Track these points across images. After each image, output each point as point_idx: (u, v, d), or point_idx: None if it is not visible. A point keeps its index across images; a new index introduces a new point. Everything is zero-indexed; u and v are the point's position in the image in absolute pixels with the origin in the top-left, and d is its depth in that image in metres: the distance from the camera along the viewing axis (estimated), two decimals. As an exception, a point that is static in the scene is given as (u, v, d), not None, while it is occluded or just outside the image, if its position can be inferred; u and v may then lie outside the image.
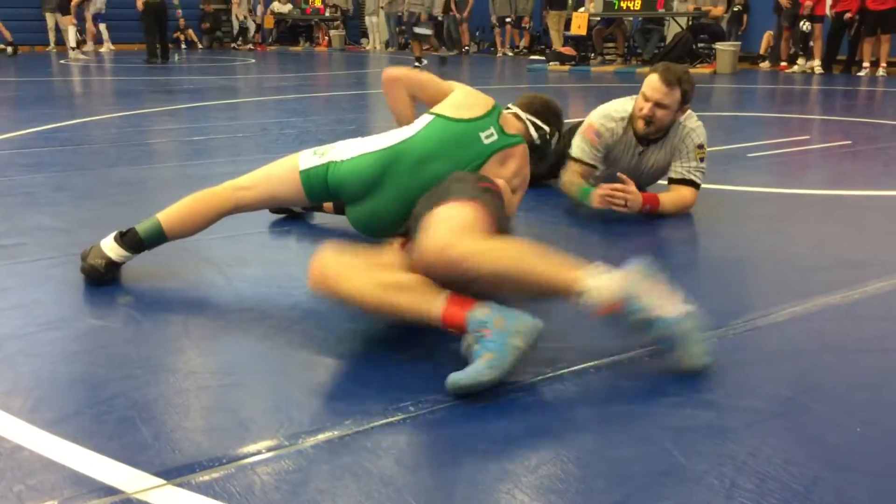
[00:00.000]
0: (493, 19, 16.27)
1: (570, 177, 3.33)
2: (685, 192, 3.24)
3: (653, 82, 3.11)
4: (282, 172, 2.50)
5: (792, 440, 1.53)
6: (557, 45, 14.58)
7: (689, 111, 3.26)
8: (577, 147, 3.35)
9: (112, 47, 16.76)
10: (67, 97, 8.58)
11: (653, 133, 3.21)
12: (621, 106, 3.30)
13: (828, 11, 11.03)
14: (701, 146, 3.25)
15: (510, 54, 16.24)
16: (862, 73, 10.73)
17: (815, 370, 1.86)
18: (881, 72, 10.53)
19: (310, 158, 2.48)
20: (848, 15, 10.62)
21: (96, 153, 4.85)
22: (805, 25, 11.23)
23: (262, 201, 2.55)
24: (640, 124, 3.18)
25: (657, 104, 3.10)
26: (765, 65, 12.39)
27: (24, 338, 2.03)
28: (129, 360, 1.90)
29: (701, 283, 2.40)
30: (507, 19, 15.83)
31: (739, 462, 1.45)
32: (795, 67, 11.48)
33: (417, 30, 11.34)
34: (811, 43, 11.42)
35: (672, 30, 12.66)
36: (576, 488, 1.38)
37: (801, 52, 11.66)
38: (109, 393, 1.72)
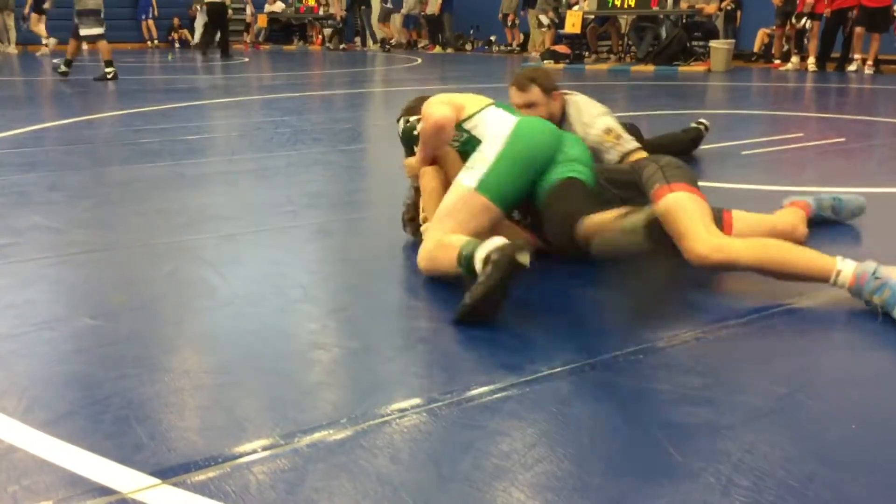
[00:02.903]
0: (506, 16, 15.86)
1: None
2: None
3: (512, 94, 3.12)
4: (471, 205, 2.40)
5: (788, 437, 1.53)
6: (539, 43, 15.00)
7: (580, 107, 3.17)
8: None
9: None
10: (60, 96, 8.55)
11: None
12: None
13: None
14: (608, 130, 3.13)
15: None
16: (852, 67, 10.73)
17: (811, 367, 1.86)
18: (868, 70, 10.54)
19: (471, 174, 2.43)
20: (855, 12, 10.60)
21: (90, 152, 4.84)
22: (806, 23, 11.23)
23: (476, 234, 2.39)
24: None
25: (527, 107, 3.09)
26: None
27: (18, 338, 2.02)
28: (124, 359, 1.89)
29: (695, 280, 2.40)
30: (543, 21, 15.33)
31: (735, 459, 1.45)
32: (789, 65, 11.49)
33: (84, 31, 9.39)
34: (806, 41, 11.44)
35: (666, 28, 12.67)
36: (572, 486, 1.38)
37: (796, 50, 11.68)
38: (104, 393, 1.72)
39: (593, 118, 3.22)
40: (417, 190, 2.82)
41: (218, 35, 15.49)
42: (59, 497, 1.35)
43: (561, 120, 3.21)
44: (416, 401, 1.68)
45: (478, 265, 2.11)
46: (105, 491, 1.36)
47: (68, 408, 1.66)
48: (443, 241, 2.32)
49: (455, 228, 2.36)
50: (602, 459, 1.46)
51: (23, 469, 1.44)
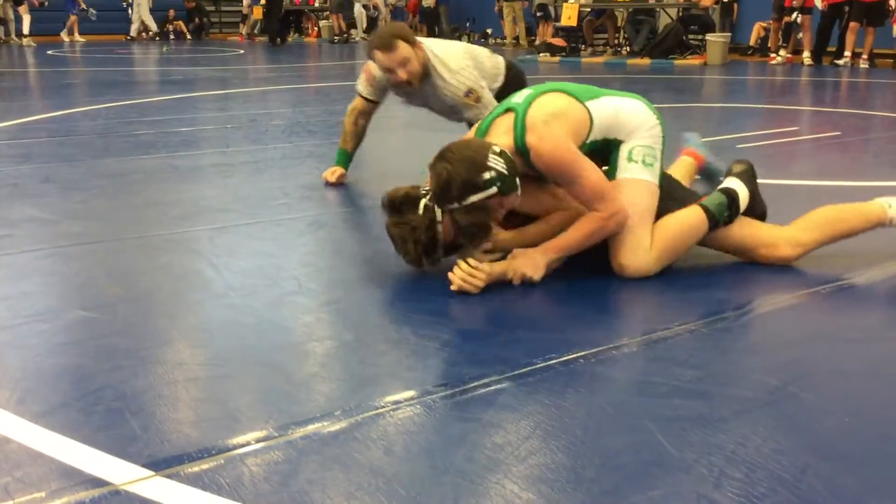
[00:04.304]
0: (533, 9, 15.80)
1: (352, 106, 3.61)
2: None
3: (380, 59, 3.11)
4: (655, 199, 2.37)
5: (781, 429, 1.54)
6: (509, 35, 15.75)
7: (441, 59, 3.16)
8: (360, 83, 3.55)
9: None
10: (54, 88, 8.52)
11: (420, 84, 3.19)
12: None
13: (818, 3, 11.04)
14: (469, 92, 3.17)
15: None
16: (841, 62, 10.72)
17: (804, 360, 1.86)
18: (863, 63, 10.54)
19: (649, 171, 2.35)
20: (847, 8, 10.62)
21: (84, 144, 4.82)
22: (797, 17, 11.24)
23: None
24: (409, 87, 3.18)
25: (400, 67, 3.08)
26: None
27: (12, 329, 2.01)
28: (118, 351, 1.89)
29: (690, 273, 2.41)
30: (540, 14, 15.18)
31: (728, 451, 1.45)
32: (778, 58, 11.49)
33: None
34: (800, 35, 11.43)
35: (663, 21, 12.67)
36: (566, 478, 1.38)
37: (784, 44, 11.69)
38: (97, 384, 1.71)
39: (456, 77, 3.18)
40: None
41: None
42: (52, 488, 1.35)
43: (427, 69, 3.19)
44: (410, 393, 1.68)
45: (743, 205, 2.43)
46: (98, 482, 1.36)
47: (61, 399, 1.65)
48: (693, 223, 2.36)
49: (649, 227, 2.34)
50: (595, 451, 1.46)
51: (15, 461, 1.43)
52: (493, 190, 2.13)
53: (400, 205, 2.27)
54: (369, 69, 3.42)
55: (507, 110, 2.36)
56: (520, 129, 2.26)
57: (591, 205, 2.27)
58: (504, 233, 2.40)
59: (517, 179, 2.19)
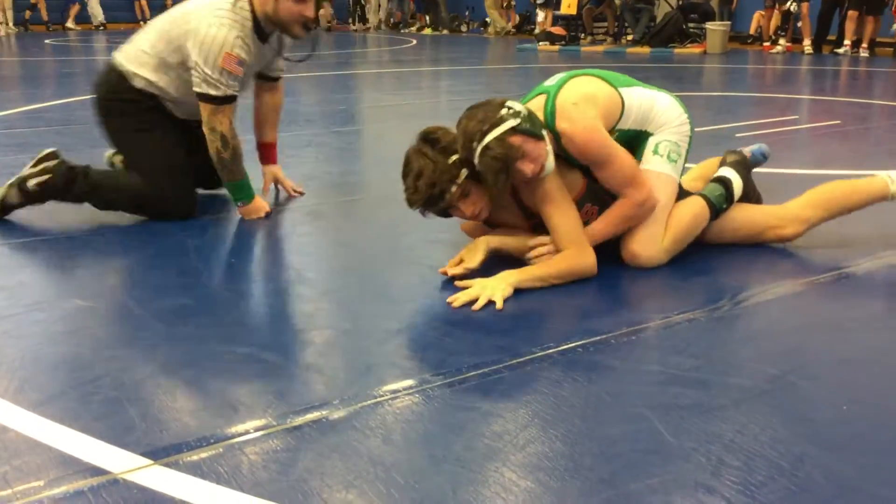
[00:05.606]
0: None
1: (229, 124, 2.90)
2: None
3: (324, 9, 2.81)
4: (674, 195, 2.41)
5: (779, 418, 1.54)
6: (502, 24, 15.87)
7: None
8: (223, 85, 2.81)
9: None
10: (53, 77, 8.49)
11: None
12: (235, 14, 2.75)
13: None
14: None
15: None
16: (841, 51, 10.70)
17: (802, 348, 1.86)
18: (863, 52, 10.51)
19: (673, 166, 2.38)
20: None
21: (82, 133, 4.80)
22: (793, 6, 11.21)
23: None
24: (298, 29, 2.78)
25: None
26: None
27: (9, 319, 2.01)
28: (115, 340, 1.89)
29: (688, 262, 2.41)
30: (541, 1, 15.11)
31: (727, 440, 1.46)
32: (778, 47, 11.45)
33: None
34: (799, 23, 11.40)
35: (662, 9, 12.62)
36: (564, 466, 1.38)
37: (782, 33, 11.65)
38: (95, 374, 1.71)
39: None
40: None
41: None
42: (50, 477, 1.35)
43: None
44: (409, 382, 1.68)
45: (737, 192, 2.49)
46: (97, 471, 1.36)
47: (59, 388, 1.65)
48: (697, 213, 2.40)
49: (665, 221, 2.36)
50: (593, 440, 1.46)
51: (14, 449, 1.44)
52: (511, 122, 2.11)
53: (437, 143, 2.20)
54: (233, 54, 2.74)
55: (540, 93, 2.36)
56: (549, 112, 2.27)
57: (623, 190, 2.29)
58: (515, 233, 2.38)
59: (541, 129, 2.18)
